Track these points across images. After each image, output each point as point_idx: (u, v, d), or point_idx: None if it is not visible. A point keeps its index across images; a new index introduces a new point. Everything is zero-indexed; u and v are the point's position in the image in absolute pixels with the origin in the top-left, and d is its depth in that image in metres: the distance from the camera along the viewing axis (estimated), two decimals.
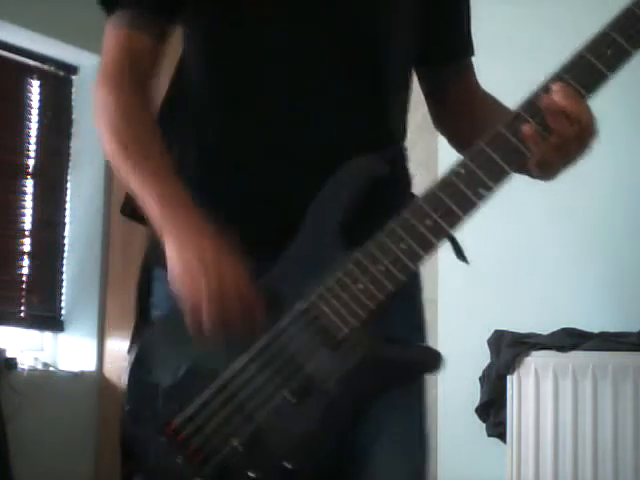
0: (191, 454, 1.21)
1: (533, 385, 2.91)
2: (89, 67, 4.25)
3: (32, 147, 4.16)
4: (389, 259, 1.21)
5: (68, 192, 4.27)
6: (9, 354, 3.77)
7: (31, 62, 4.17)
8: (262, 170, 1.31)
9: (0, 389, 3.58)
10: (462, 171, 1.21)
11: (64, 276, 4.22)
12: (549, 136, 1.20)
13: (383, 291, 1.21)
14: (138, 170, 1.24)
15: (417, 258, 1.21)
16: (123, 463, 1.28)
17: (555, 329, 3.01)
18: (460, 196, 1.21)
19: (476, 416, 3.16)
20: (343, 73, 1.31)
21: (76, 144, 4.25)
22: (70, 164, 4.27)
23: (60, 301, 4.21)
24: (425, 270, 1.34)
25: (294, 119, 1.30)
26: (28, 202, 4.14)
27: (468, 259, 1.31)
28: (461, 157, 1.24)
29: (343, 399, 1.20)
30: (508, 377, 2.96)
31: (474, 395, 3.16)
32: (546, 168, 1.25)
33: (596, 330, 2.94)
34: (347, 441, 1.24)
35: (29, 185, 4.15)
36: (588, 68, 1.20)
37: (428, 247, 1.21)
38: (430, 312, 4.05)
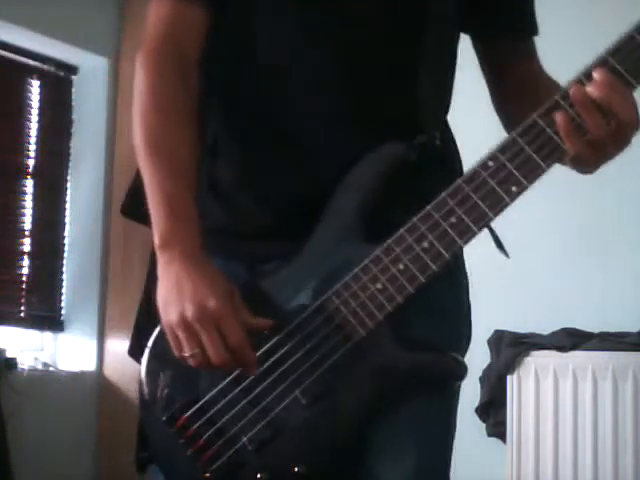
0: (199, 449, 1.18)
1: (533, 385, 2.90)
2: (89, 67, 4.25)
3: (32, 147, 4.16)
4: (409, 258, 1.12)
5: (68, 192, 4.27)
6: (9, 354, 3.77)
7: (31, 62, 4.16)
8: (284, 166, 1.24)
9: (0, 389, 3.58)
10: (491, 164, 1.10)
11: (64, 276, 4.22)
12: (585, 128, 1.06)
13: (402, 292, 1.13)
14: (158, 180, 1.16)
15: (439, 258, 1.12)
16: (138, 449, 1.25)
17: (555, 329, 3.01)
18: (488, 192, 1.10)
19: (476, 416, 3.16)
20: (371, 61, 1.22)
21: (76, 144, 4.24)
22: (70, 164, 4.27)
23: (60, 301, 4.21)
24: None
25: (316, 112, 1.22)
26: (28, 202, 4.14)
27: (508, 252, 1.23)
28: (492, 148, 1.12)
29: (355, 402, 1.15)
30: (508, 377, 2.96)
31: (474, 395, 3.16)
32: (581, 163, 1.13)
33: (596, 330, 2.94)
34: (358, 448, 1.18)
35: (29, 185, 4.15)
36: (638, 51, 1.03)
37: (451, 247, 1.12)
38: None
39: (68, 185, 4.27)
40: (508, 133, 1.21)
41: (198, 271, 1.13)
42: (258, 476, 1.15)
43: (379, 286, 1.13)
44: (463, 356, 1.28)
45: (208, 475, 1.17)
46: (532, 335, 3.01)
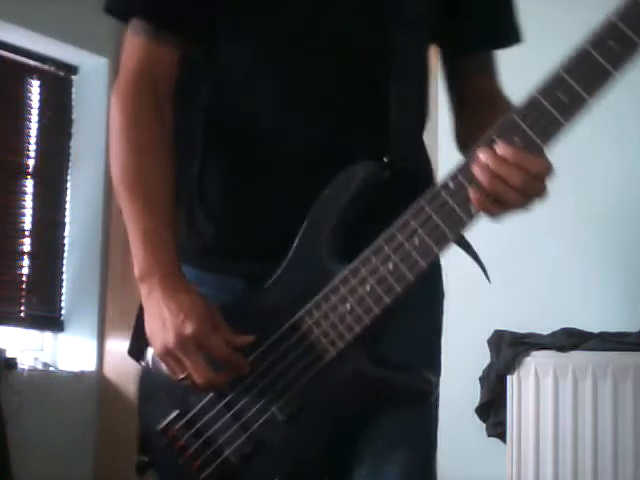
0: (188, 460, 1.24)
1: (533, 385, 2.90)
2: (89, 67, 4.25)
3: (32, 147, 4.17)
4: (375, 279, 1.15)
5: (68, 192, 4.27)
6: (9, 354, 3.77)
7: (31, 62, 4.17)
8: (260, 190, 1.28)
9: (0, 389, 3.58)
10: (451, 185, 1.11)
11: (64, 276, 4.22)
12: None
13: (369, 314, 1.16)
14: (135, 217, 1.21)
15: (404, 280, 1.13)
16: (139, 454, 1.31)
17: (555, 329, 3.01)
18: (448, 213, 1.11)
19: (476, 416, 3.16)
20: (340, 85, 1.25)
21: (76, 144, 4.25)
22: (70, 164, 4.27)
23: (60, 301, 4.21)
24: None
25: (289, 134, 1.26)
26: (28, 202, 4.14)
27: (490, 278, 1.27)
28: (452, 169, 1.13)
29: (330, 418, 1.20)
30: (508, 377, 2.96)
31: (474, 395, 3.16)
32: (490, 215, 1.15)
33: (596, 330, 2.94)
34: (334, 458, 1.23)
35: (29, 185, 4.15)
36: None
37: (414, 268, 1.13)
38: None
39: (68, 185, 4.27)
40: (457, 147, 1.34)
41: (176, 299, 1.18)
42: None
43: (348, 307, 1.16)
44: (439, 368, 1.32)
45: None
46: (532, 335, 3.01)
